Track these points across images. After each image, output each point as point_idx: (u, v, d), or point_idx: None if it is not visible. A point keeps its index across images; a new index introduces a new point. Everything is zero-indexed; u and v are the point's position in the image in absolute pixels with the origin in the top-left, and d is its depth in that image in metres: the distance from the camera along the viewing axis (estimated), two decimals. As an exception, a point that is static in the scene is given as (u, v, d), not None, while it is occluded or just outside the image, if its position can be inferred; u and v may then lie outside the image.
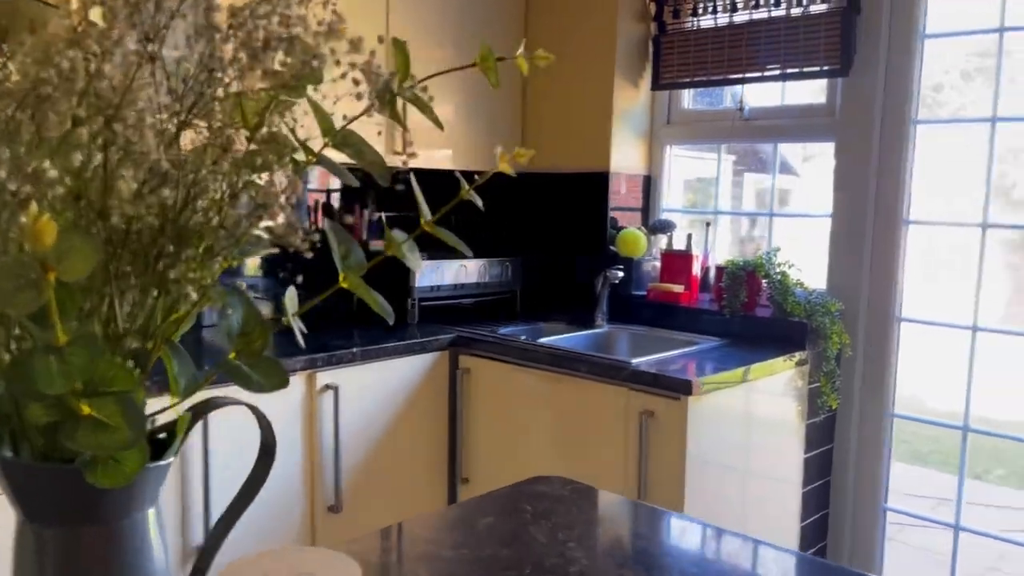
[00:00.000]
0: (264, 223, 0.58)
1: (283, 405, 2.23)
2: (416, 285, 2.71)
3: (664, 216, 3.03)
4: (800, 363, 2.49)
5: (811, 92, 2.74)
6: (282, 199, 0.56)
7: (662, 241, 2.93)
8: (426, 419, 2.61)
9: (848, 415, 2.61)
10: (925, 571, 3.55)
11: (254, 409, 0.73)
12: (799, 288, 2.58)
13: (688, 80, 2.89)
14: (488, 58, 0.63)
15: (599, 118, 2.91)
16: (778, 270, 2.60)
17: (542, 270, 3.11)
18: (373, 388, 2.44)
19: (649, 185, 3.04)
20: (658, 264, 2.90)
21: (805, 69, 2.62)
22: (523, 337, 2.63)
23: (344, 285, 0.66)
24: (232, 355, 0.65)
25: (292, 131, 0.62)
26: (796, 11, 2.60)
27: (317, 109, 0.63)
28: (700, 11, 2.80)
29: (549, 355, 2.43)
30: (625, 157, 2.96)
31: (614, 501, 1.45)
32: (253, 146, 0.61)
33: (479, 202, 0.64)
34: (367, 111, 0.63)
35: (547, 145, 2.86)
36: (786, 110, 2.77)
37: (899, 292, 2.54)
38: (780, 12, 2.64)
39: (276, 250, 0.66)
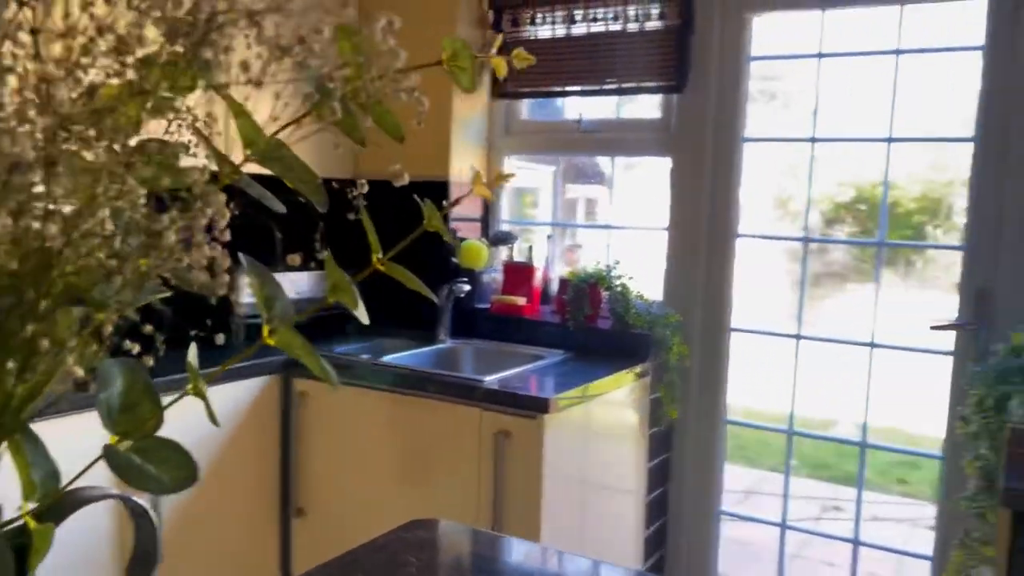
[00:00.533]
0: (181, 264, 0.42)
1: (90, 443, 1.93)
2: (242, 301, 2.46)
3: (503, 227, 2.97)
4: (643, 374, 2.52)
5: (647, 107, 2.79)
6: (206, 231, 0.41)
7: (503, 253, 2.87)
8: (256, 449, 2.38)
9: (685, 423, 2.68)
10: (746, 566, 3.74)
11: (132, 505, 0.56)
12: (639, 300, 2.61)
13: (527, 91, 2.85)
14: (461, 56, 0.51)
15: (438, 125, 2.80)
16: (619, 282, 2.62)
17: (378, 283, 2.94)
18: (197, 419, 2.17)
19: (488, 195, 2.97)
20: (500, 276, 2.84)
21: (641, 84, 2.66)
22: (365, 356, 2.46)
23: (271, 343, 0.51)
24: (113, 439, 0.48)
25: (206, 138, 0.46)
26: (633, 26, 2.64)
27: (238, 111, 0.48)
28: (539, 21, 2.77)
29: (395, 375, 2.28)
30: (465, 166, 2.87)
31: (501, 543, 1.34)
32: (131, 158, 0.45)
33: (446, 235, 0.52)
34: (306, 116, 0.48)
35: (384, 151, 2.70)
36: (623, 124, 2.80)
37: (731, 303, 2.64)
38: (617, 27, 2.66)
39: (168, 292, 0.50)
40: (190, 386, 0.49)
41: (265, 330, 0.50)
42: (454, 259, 2.79)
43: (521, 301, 2.75)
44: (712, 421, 2.67)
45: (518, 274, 2.79)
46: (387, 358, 2.46)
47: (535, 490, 2.08)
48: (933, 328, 2.36)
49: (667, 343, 2.53)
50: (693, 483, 2.71)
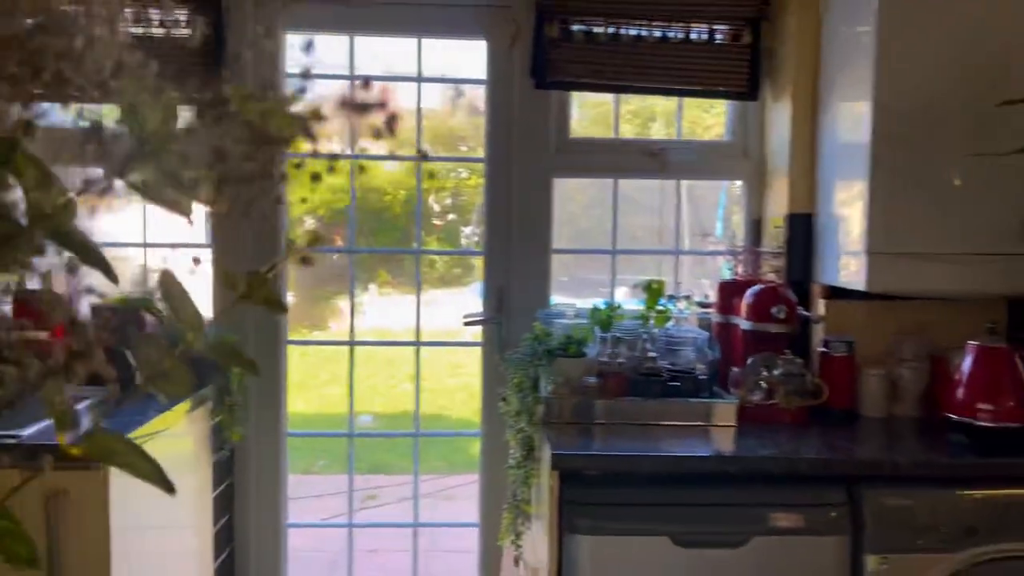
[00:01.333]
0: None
1: None
2: None
3: (6, 251, 2.51)
4: (202, 401, 2.39)
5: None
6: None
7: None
8: None
9: (247, 443, 2.62)
10: (308, 572, 3.78)
11: None
12: (190, 323, 2.45)
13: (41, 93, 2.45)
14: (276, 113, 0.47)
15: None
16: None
17: None
18: None
19: (-16, 214, 2.48)
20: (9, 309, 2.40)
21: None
22: None
23: (75, 453, 0.41)
24: None
25: None
26: (159, 32, 2.46)
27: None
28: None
29: None
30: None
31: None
32: None
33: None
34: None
35: None
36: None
37: (285, 317, 2.65)
38: (138, 31, 2.45)
39: None
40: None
41: (61, 439, 0.40)
42: (-53, 294, 2.28)
43: (42, 336, 2.37)
44: (274, 437, 2.66)
45: (36, 306, 2.38)
46: None
47: (103, 552, 1.84)
48: (466, 323, 2.70)
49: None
50: (259, 503, 2.67)
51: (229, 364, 0.48)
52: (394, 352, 8.54)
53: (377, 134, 0.44)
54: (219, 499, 2.54)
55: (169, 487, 0.45)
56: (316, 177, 0.46)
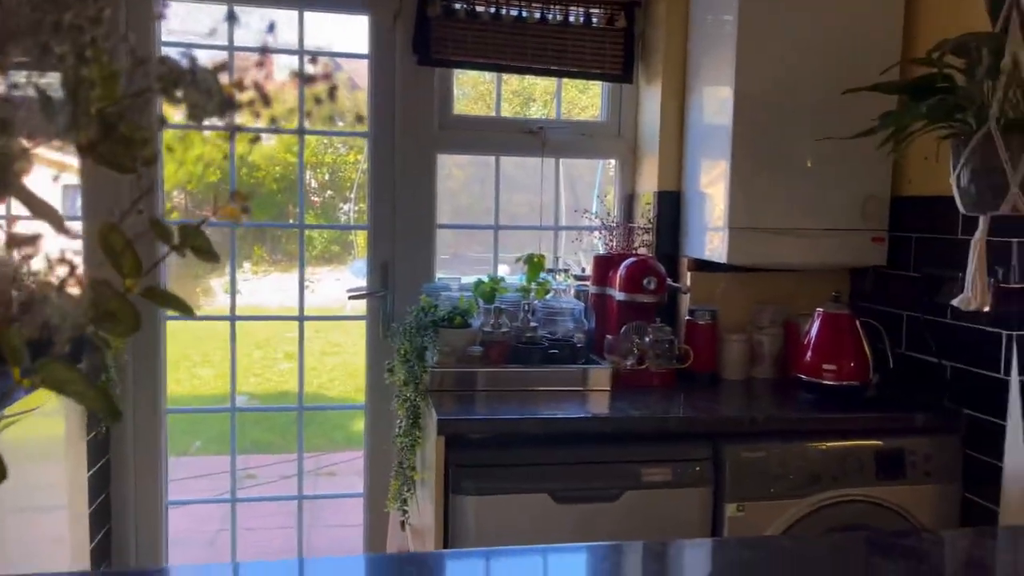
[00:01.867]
0: None
1: None
2: None
3: None
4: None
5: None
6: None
7: None
8: None
9: (124, 421, 2.55)
10: (184, 553, 3.70)
11: None
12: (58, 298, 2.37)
13: None
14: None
15: None
16: (31, 280, 2.33)
17: None
18: None
19: None
20: None
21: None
22: None
23: (27, 384, 0.45)
24: None
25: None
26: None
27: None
28: None
29: None
30: None
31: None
32: None
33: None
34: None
35: None
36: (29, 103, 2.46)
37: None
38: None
39: None
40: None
41: (16, 371, 0.44)
42: None
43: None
44: (153, 414, 2.60)
45: None
46: None
47: (-26, 531, 1.78)
48: (351, 296, 2.73)
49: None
50: (138, 481, 2.61)
51: (165, 307, 0.52)
52: (269, 332, 8.35)
53: (319, 101, 0.49)
54: (94, 478, 2.47)
55: (116, 414, 0.49)
56: (256, 139, 0.51)
